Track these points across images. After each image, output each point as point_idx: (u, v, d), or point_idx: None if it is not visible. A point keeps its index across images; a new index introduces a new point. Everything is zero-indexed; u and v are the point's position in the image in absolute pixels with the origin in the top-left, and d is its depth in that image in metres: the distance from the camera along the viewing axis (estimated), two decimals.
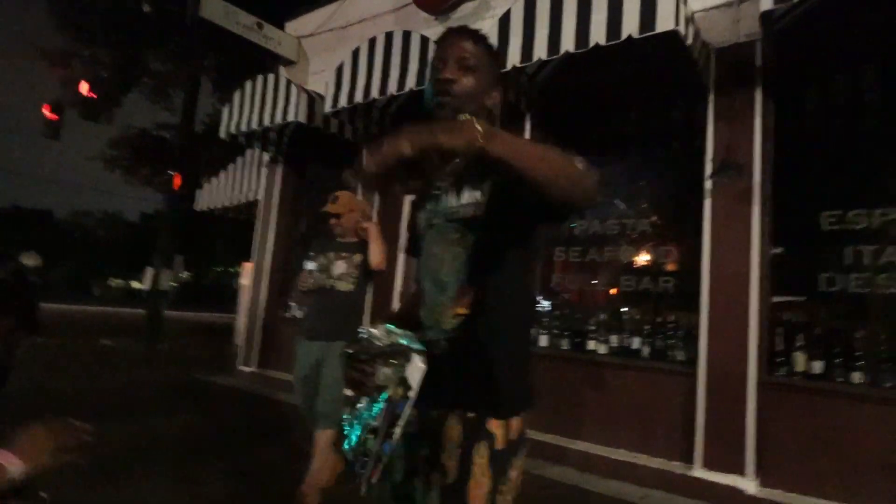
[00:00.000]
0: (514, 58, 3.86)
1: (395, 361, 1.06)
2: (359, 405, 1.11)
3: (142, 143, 17.39)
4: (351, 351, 1.12)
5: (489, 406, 1.10)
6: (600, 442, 3.98)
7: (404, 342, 1.08)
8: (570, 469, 3.87)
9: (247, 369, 6.81)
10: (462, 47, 1.17)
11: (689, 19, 3.52)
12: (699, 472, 3.51)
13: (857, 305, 3.46)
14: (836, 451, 3.22)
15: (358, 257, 3.09)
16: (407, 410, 1.04)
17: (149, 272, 10.41)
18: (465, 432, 1.08)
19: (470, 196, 1.17)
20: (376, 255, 3.00)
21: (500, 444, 1.08)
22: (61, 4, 14.43)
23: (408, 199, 5.08)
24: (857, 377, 3.25)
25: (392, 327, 1.12)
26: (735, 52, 3.82)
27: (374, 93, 4.78)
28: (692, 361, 3.73)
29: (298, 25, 7.22)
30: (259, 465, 3.63)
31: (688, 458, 3.61)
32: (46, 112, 12.30)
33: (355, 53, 5.05)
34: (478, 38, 1.20)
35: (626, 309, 4.29)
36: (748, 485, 3.35)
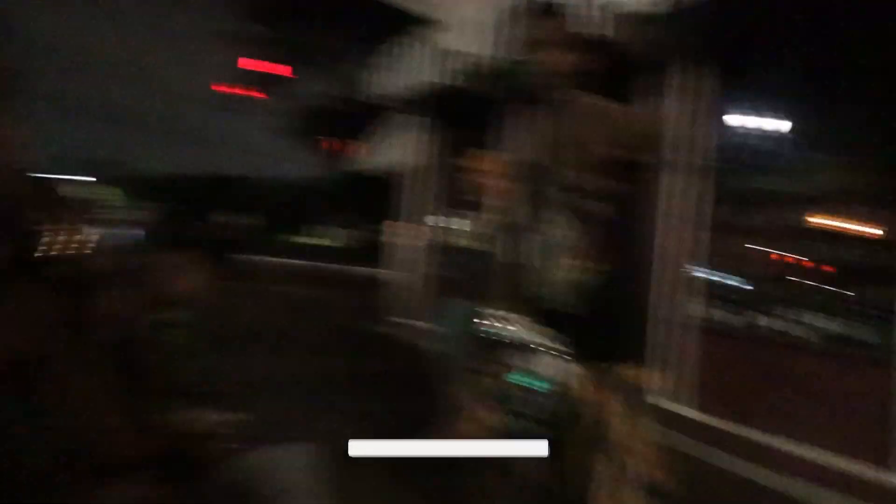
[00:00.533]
0: None
1: (525, 353, 1.21)
2: (489, 382, 1.29)
3: (316, 114, 19.15)
4: (483, 335, 1.27)
5: (616, 355, 1.23)
6: (786, 435, 3.43)
7: (533, 337, 1.21)
8: (745, 462, 3.43)
9: (405, 321, 7.32)
10: (549, 28, 1.33)
11: None
12: None
13: None
14: None
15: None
16: (539, 399, 1.17)
17: (322, 229, 11.65)
18: (600, 381, 1.19)
19: None
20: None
21: (632, 390, 1.20)
22: None
23: None
24: None
25: (520, 319, 1.24)
26: None
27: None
28: None
29: None
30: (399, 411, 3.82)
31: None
32: (236, 90, 14.14)
33: (497, 7, 4.84)
34: (558, 14, 1.35)
35: (823, 286, 3.61)
36: None
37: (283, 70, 17.27)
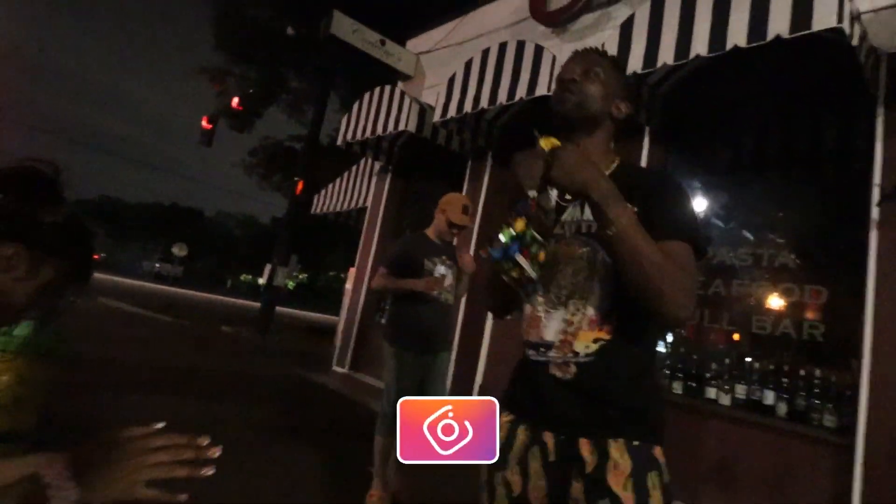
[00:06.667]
0: (635, 64, 3.52)
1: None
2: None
3: (276, 153, 19.11)
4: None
5: (649, 433, 1.07)
6: None
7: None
8: None
9: (340, 370, 6.98)
10: (589, 59, 1.21)
11: (856, 17, 2.96)
12: None
13: None
14: None
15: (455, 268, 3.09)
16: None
17: (267, 269, 11.24)
18: (634, 461, 1.02)
19: None
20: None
21: (666, 474, 1.05)
22: (221, 27, 16.41)
23: None
24: None
25: None
26: None
27: (484, 102, 4.67)
28: (846, 429, 3.04)
29: (419, 42, 7.41)
30: (333, 461, 3.59)
31: None
32: (203, 122, 14.03)
33: (468, 64, 5.00)
34: (604, 54, 1.26)
35: (757, 356, 3.61)
36: None
37: (257, 110, 17.45)
